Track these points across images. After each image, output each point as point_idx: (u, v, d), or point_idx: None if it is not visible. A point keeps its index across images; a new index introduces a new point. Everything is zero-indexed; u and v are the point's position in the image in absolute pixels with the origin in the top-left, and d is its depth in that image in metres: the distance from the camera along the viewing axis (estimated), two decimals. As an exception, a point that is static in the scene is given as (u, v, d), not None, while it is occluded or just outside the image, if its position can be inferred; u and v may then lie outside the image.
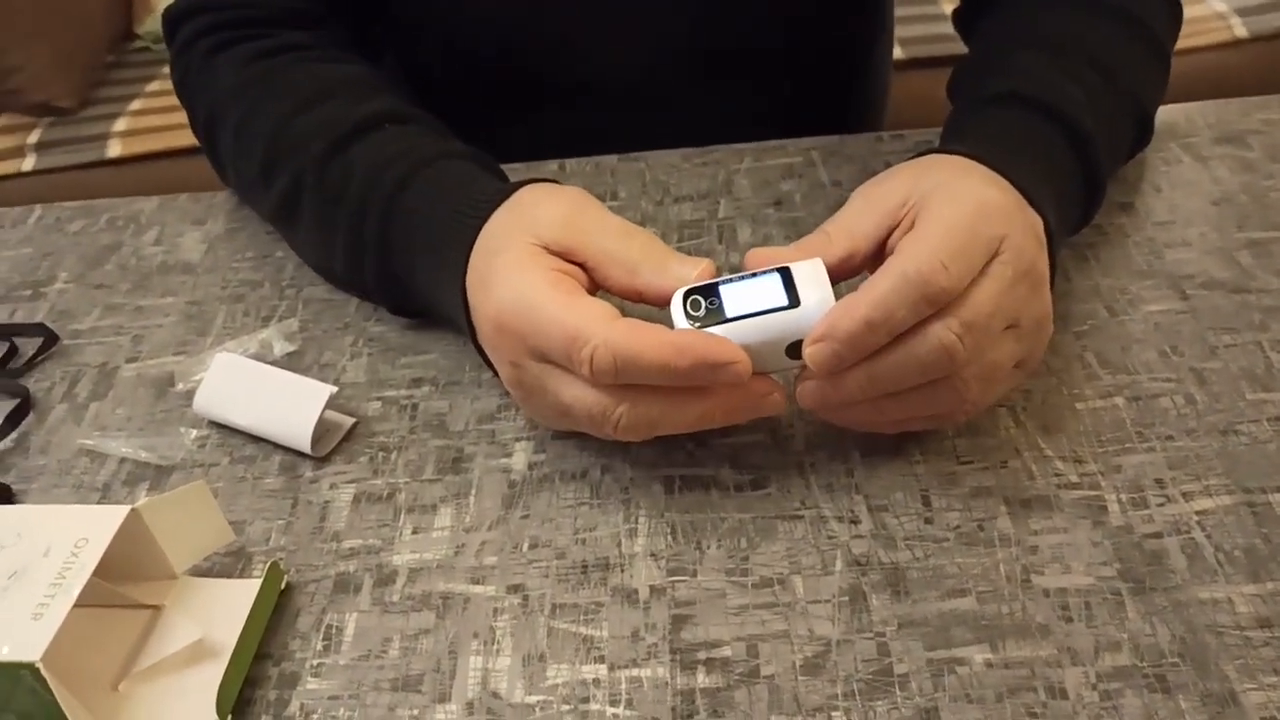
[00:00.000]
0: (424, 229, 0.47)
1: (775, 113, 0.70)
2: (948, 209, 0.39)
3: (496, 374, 0.44)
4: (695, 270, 0.40)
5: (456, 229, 0.44)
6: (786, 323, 0.38)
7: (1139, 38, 0.54)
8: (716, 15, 0.64)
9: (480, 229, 0.44)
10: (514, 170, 0.54)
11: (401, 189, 0.48)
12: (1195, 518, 0.40)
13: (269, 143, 0.53)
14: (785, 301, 0.38)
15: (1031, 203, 0.41)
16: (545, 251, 0.41)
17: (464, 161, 0.49)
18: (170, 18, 0.61)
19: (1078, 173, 0.48)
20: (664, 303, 0.40)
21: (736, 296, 0.39)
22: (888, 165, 0.48)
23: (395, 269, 0.49)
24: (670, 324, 0.39)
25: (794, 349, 0.39)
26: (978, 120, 0.49)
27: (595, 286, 0.42)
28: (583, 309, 0.39)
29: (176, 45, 0.61)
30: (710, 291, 0.39)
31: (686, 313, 0.39)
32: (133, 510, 0.38)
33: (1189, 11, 1.76)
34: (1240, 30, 1.50)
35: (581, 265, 0.42)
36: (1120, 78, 0.51)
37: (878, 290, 0.37)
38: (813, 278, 0.39)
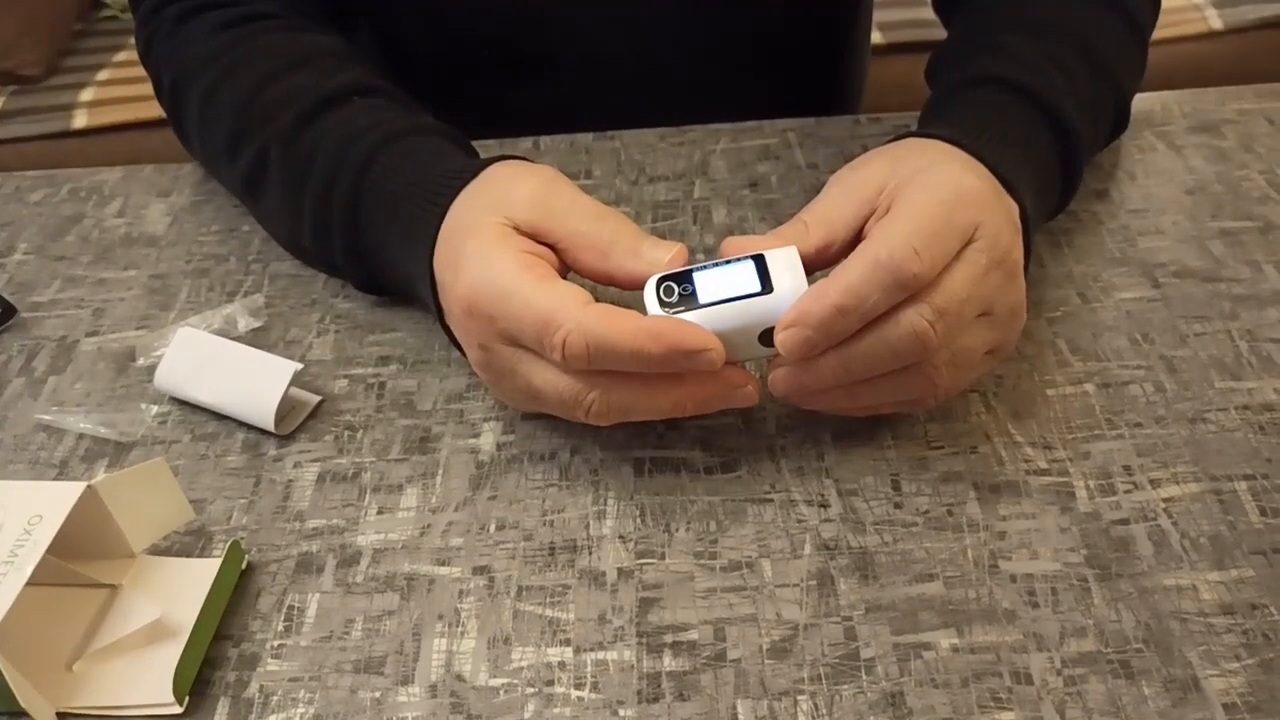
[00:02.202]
0: (391, 206, 0.46)
1: (755, 94, 0.70)
2: (922, 194, 0.38)
3: (464, 355, 0.44)
4: (668, 254, 0.40)
5: (424, 207, 0.43)
6: (759, 309, 0.38)
7: (1120, 24, 0.54)
8: None
9: (448, 208, 0.43)
10: (486, 147, 0.53)
11: (369, 164, 0.47)
12: (1162, 505, 0.40)
13: (236, 113, 0.52)
14: (759, 288, 0.38)
15: (1009, 188, 0.41)
16: (516, 232, 0.40)
17: (434, 137, 0.49)
18: None
19: (1056, 159, 0.48)
20: (636, 286, 0.40)
21: (710, 283, 0.38)
22: (865, 149, 0.47)
23: (363, 246, 0.48)
24: (643, 309, 0.38)
25: (767, 336, 0.38)
26: (957, 103, 0.49)
27: (566, 269, 0.42)
28: (555, 293, 0.38)
29: (143, 11, 0.59)
30: (684, 278, 0.39)
31: (660, 298, 0.38)
32: (89, 487, 0.37)
33: (1166, 3, 1.77)
34: (1216, 22, 1.51)
35: (552, 246, 0.41)
36: (1102, 64, 0.51)
37: (850, 276, 0.37)
38: (787, 265, 0.38)
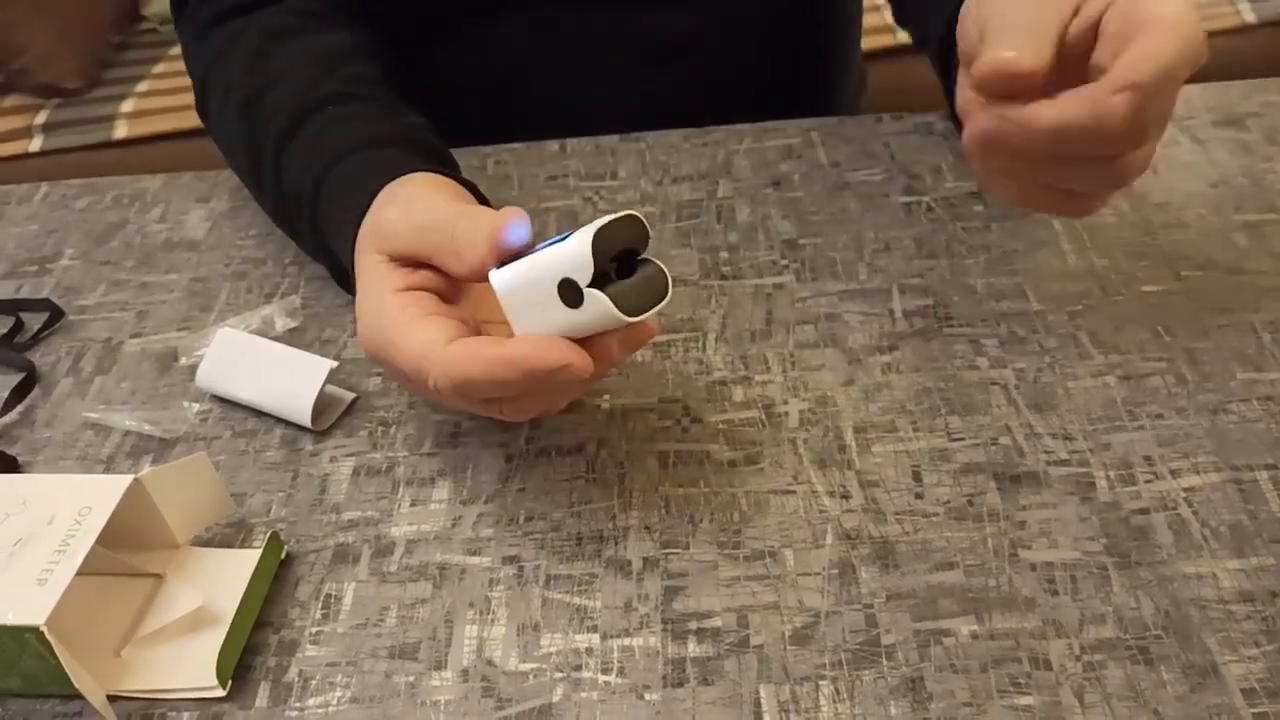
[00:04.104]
0: (333, 231, 0.47)
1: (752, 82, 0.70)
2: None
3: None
4: (489, 231, 0.37)
5: (345, 239, 0.44)
6: (553, 256, 0.35)
7: None
8: None
9: (355, 241, 0.43)
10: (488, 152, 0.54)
11: (316, 192, 0.48)
12: (1182, 494, 0.40)
13: (237, 123, 0.55)
14: (559, 240, 0.36)
15: None
16: (394, 265, 0.40)
17: (375, 151, 0.47)
18: None
19: None
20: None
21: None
22: (886, 146, 0.48)
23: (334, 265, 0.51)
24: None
25: (567, 291, 0.35)
26: None
27: (450, 282, 0.41)
28: (421, 336, 0.37)
29: (184, 24, 0.62)
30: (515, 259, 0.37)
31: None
32: (135, 480, 0.39)
33: (1198, -4, 1.73)
34: (1249, 15, 1.49)
35: (426, 264, 0.40)
36: None
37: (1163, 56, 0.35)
38: (588, 230, 0.35)
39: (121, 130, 1.49)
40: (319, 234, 0.49)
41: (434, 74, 0.66)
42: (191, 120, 1.47)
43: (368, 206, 0.43)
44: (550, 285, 0.35)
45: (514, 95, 0.67)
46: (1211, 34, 1.69)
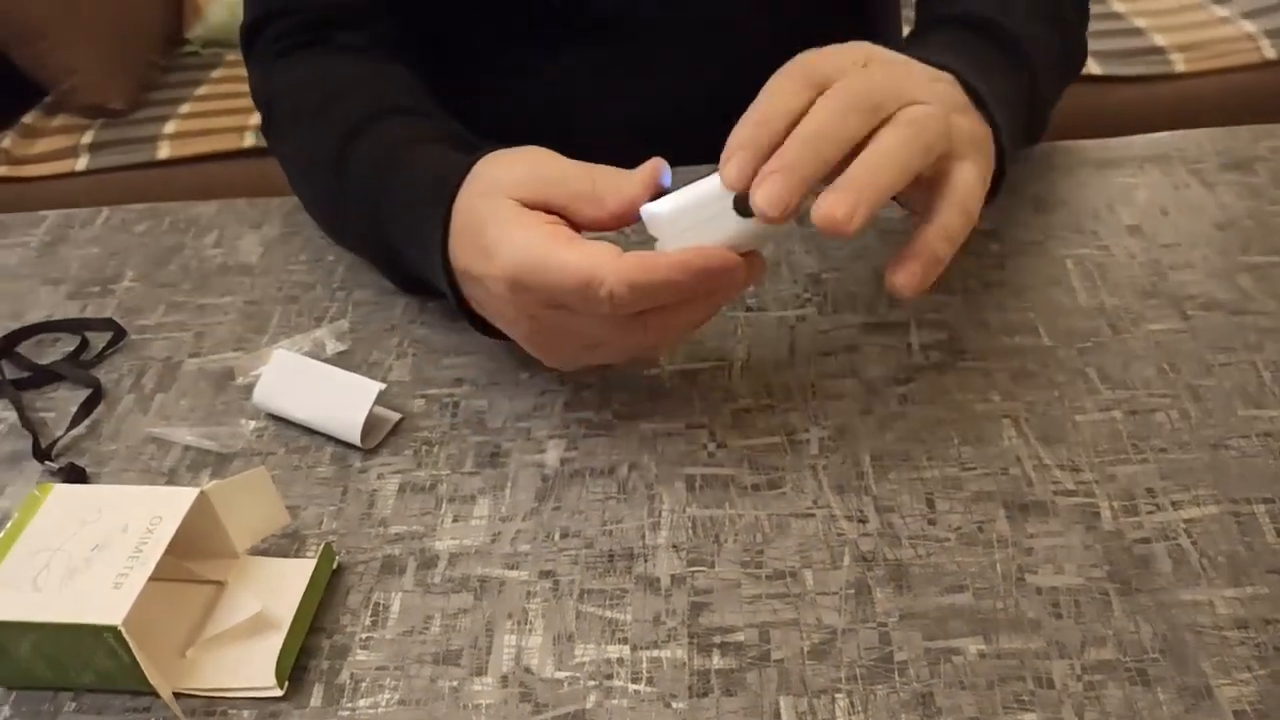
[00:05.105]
0: (405, 215, 0.51)
1: None
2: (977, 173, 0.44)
3: (496, 336, 0.49)
4: (644, 175, 0.44)
5: (427, 212, 0.48)
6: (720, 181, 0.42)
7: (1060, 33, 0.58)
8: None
9: (450, 209, 0.47)
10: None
11: (380, 184, 0.52)
12: (1183, 525, 0.42)
13: (308, 130, 0.59)
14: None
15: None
16: (526, 208, 0.45)
17: (437, 144, 0.53)
18: (244, 33, 0.67)
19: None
20: (633, 221, 0.44)
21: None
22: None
23: (403, 265, 0.54)
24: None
25: (742, 203, 0.41)
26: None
27: (575, 228, 0.45)
28: (587, 252, 0.42)
29: (253, 56, 0.66)
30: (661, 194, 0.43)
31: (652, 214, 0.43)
32: (201, 492, 0.42)
33: (1219, 32, 1.77)
34: (1270, 51, 1.51)
35: (557, 213, 0.45)
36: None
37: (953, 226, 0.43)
38: None
39: (164, 151, 1.54)
40: (386, 207, 0.52)
41: (482, 108, 0.70)
42: (229, 142, 1.52)
43: (464, 171, 0.47)
44: (725, 200, 0.41)
45: (552, 128, 0.71)
46: (1233, 70, 1.71)
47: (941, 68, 0.46)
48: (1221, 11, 1.62)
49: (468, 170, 0.47)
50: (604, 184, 0.44)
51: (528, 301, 0.44)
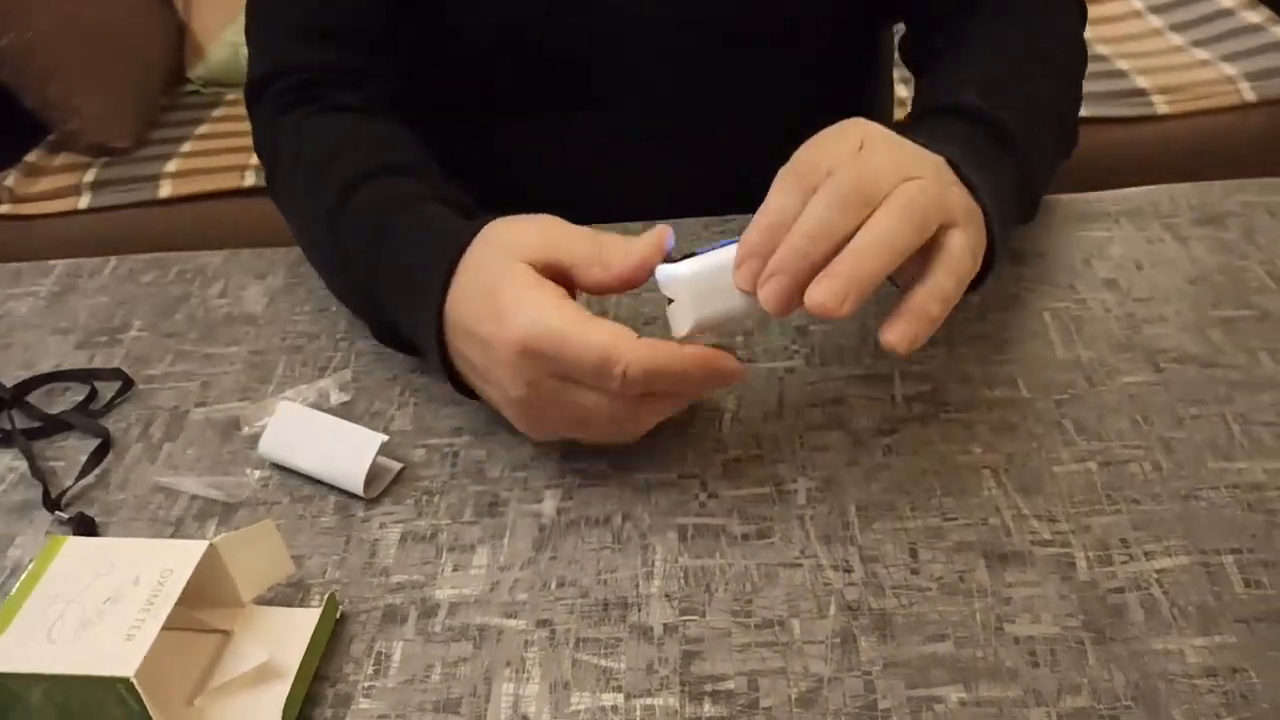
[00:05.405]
0: (398, 273, 0.53)
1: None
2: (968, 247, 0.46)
3: (473, 398, 0.52)
4: (651, 240, 0.47)
5: (427, 270, 0.50)
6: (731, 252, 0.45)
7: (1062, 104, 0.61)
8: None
9: (455, 270, 0.49)
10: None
11: (376, 238, 0.54)
12: (1155, 575, 0.44)
13: (305, 182, 0.61)
14: (714, 247, 0.46)
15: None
16: (538, 273, 0.47)
17: (439, 205, 0.55)
18: (248, 90, 0.69)
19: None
20: (635, 286, 0.47)
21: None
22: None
23: (391, 321, 0.56)
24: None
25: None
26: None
27: (575, 291, 0.48)
28: (608, 329, 0.45)
29: (255, 113, 0.68)
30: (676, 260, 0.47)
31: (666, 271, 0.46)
32: (211, 545, 0.43)
33: (1200, 75, 1.80)
34: (1250, 94, 1.54)
35: (565, 274, 0.48)
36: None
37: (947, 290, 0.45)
38: None
39: (166, 189, 1.56)
40: (383, 262, 0.54)
41: (480, 172, 0.72)
42: (230, 181, 1.54)
43: (472, 232, 0.49)
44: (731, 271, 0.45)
45: (550, 196, 0.73)
46: (1212, 112, 1.73)
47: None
48: (1202, 54, 1.66)
49: (476, 231, 0.50)
50: (611, 249, 0.47)
51: (533, 369, 0.45)
